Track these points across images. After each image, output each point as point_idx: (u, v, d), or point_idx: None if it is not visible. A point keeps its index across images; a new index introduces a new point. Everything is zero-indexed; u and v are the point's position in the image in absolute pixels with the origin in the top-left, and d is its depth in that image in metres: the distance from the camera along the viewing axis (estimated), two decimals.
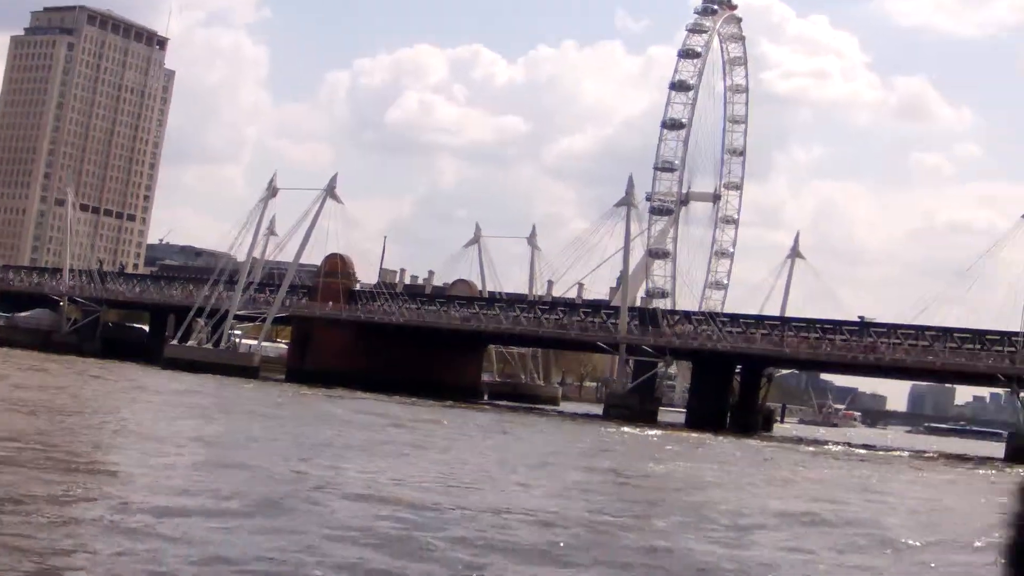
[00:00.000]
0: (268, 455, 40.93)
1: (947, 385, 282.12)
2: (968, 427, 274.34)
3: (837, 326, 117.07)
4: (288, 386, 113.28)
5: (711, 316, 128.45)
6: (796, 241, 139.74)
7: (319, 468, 37.85)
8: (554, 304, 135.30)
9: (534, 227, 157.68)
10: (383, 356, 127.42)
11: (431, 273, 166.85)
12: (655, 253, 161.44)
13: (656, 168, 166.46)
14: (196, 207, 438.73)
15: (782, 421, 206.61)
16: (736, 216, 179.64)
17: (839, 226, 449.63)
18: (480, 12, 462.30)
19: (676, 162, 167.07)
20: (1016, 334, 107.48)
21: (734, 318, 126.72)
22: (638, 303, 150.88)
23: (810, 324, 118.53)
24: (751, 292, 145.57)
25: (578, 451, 63.17)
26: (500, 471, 44.84)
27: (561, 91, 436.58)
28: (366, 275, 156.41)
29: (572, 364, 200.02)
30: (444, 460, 47.01)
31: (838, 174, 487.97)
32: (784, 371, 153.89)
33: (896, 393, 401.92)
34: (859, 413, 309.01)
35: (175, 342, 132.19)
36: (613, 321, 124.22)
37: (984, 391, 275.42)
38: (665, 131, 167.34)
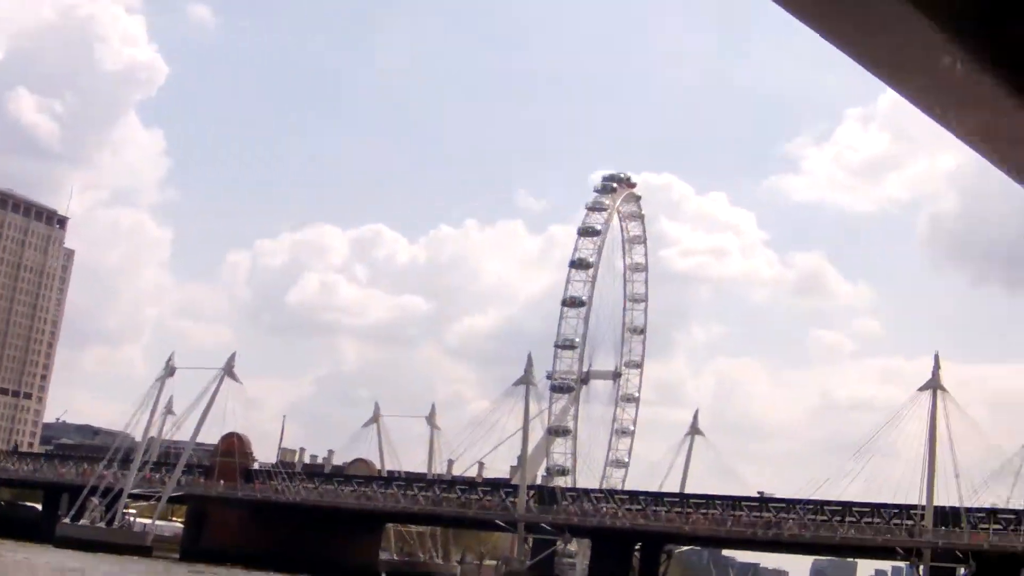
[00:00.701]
0: None
1: (849, 560, 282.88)
2: None
3: (737, 502, 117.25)
4: (180, 565, 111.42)
5: (610, 493, 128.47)
6: (695, 418, 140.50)
7: None
8: (453, 483, 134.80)
9: (433, 406, 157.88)
10: (280, 535, 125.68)
11: (331, 452, 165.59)
12: (555, 431, 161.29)
13: (557, 346, 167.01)
14: (94, 386, 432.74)
15: None
16: (637, 394, 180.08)
17: (739, 403, 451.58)
18: (381, 193, 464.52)
19: (577, 340, 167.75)
20: (914, 507, 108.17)
21: (633, 495, 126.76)
22: (539, 481, 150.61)
23: (709, 500, 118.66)
24: (651, 469, 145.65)
25: None
26: None
27: (463, 270, 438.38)
28: (265, 455, 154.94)
29: (472, 542, 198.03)
30: None
31: (738, 351, 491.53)
32: (685, 547, 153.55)
33: (798, 568, 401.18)
34: None
35: (67, 520, 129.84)
36: (512, 499, 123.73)
37: (886, 564, 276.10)
38: (565, 309, 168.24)
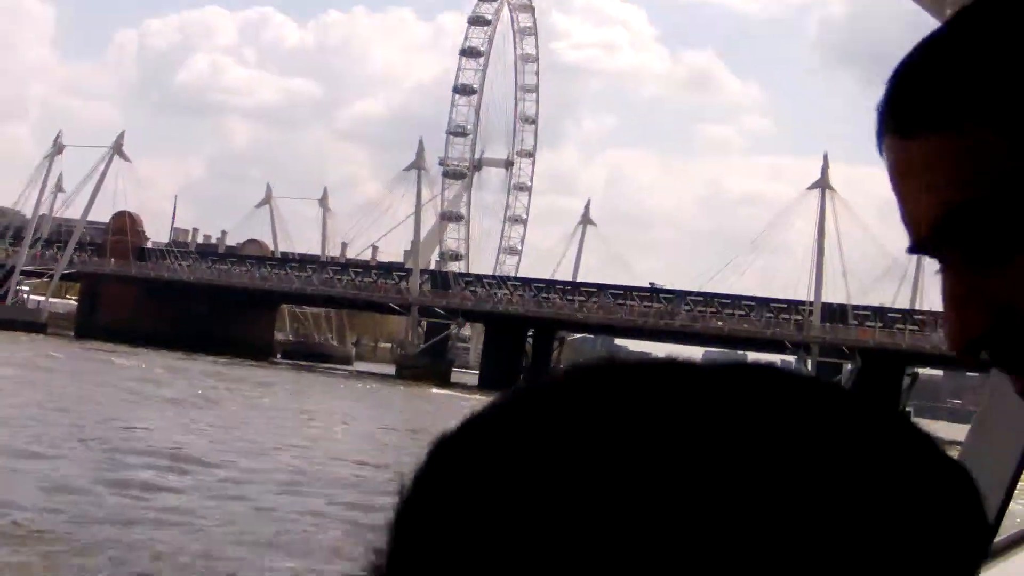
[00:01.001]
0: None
1: (738, 352, 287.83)
2: None
3: (628, 291, 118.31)
4: (77, 342, 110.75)
5: (503, 280, 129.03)
6: (587, 208, 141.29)
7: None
8: (346, 265, 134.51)
9: (326, 189, 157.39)
10: (174, 314, 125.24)
11: (224, 233, 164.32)
12: (449, 216, 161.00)
13: (449, 133, 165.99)
14: None
15: None
16: (529, 183, 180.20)
17: (629, 193, 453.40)
18: None
19: (468, 127, 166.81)
20: (803, 303, 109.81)
21: (526, 282, 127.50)
22: (432, 266, 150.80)
23: (601, 289, 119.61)
24: (544, 257, 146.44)
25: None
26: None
27: (353, 55, 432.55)
28: (158, 235, 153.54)
29: (367, 325, 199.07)
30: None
31: (628, 143, 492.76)
32: (578, 335, 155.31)
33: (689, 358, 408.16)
34: None
35: None
36: (406, 283, 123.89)
37: (775, 358, 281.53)
38: (457, 96, 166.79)
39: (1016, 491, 3.45)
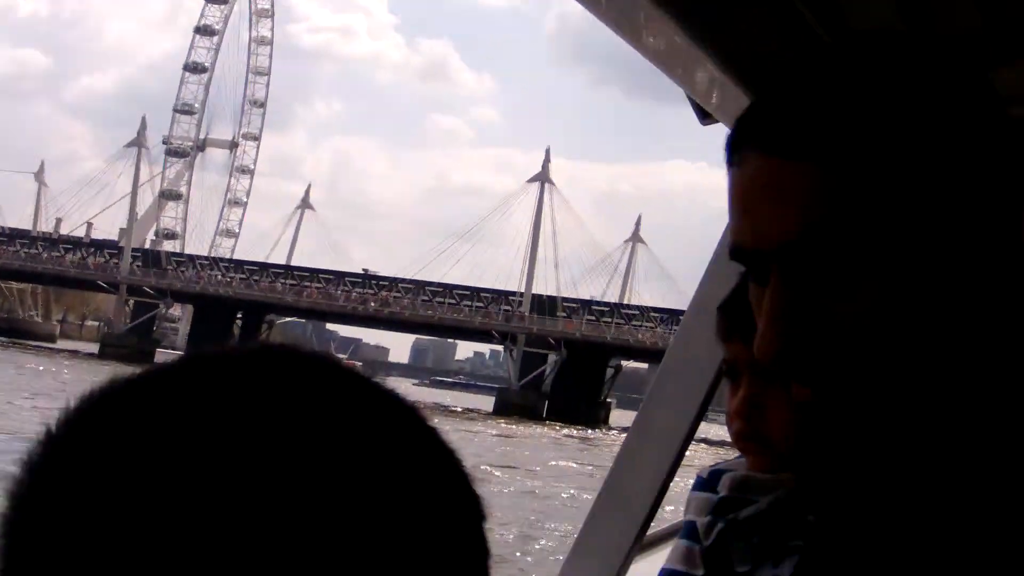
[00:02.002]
0: None
1: (449, 340, 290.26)
2: (471, 381, 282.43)
3: (340, 277, 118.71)
4: None
5: (215, 261, 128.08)
6: (307, 192, 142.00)
7: None
8: (57, 241, 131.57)
9: (43, 163, 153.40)
10: None
11: None
12: (168, 194, 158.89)
13: (176, 110, 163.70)
14: None
15: None
16: (252, 166, 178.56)
17: (354, 181, 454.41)
18: None
19: (196, 106, 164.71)
20: (514, 293, 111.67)
21: (239, 264, 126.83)
22: (147, 244, 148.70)
23: (313, 274, 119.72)
24: (261, 240, 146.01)
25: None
26: None
27: (85, 27, 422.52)
28: None
29: (75, 302, 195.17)
30: None
31: (357, 130, 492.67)
32: (288, 319, 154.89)
33: (400, 345, 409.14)
34: (361, 363, 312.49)
35: None
36: (116, 261, 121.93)
37: (484, 347, 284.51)
38: (187, 74, 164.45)
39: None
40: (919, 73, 1.11)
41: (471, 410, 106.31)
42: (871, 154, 1.07)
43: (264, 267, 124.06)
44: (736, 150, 1.18)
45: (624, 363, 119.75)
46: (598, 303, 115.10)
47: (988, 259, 1.11)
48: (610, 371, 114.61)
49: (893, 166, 1.10)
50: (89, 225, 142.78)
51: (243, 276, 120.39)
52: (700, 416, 3.82)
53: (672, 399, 3.91)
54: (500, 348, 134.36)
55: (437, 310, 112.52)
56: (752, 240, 1.16)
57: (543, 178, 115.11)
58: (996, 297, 1.12)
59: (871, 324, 1.09)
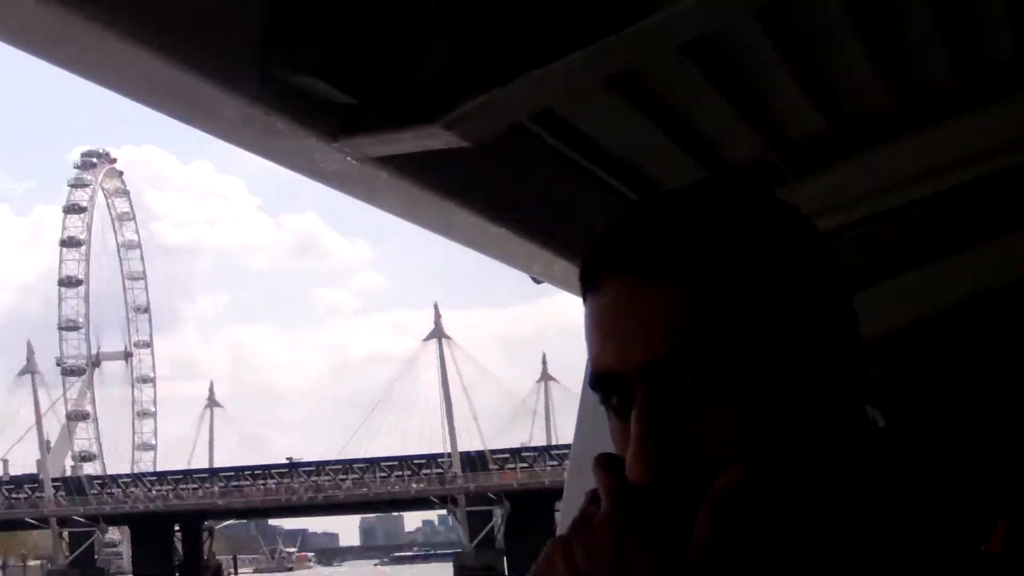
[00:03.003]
0: None
1: (394, 514, 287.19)
2: (428, 551, 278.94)
3: (267, 470, 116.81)
4: None
5: (138, 477, 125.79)
6: (211, 391, 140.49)
7: None
8: None
9: None
10: None
11: None
12: (75, 416, 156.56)
13: (60, 328, 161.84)
14: None
15: (236, 572, 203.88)
16: (152, 374, 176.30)
17: (257, 370, 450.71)
18: None
19: (80, 320, 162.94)
20: (441, 455, 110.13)
21: (162, 476, 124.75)
22: (68, 470, 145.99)
23: (239, 472, 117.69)
24: (180, 445, 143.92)
25: None
26: None
27: None
28: None
29: (11, 544, 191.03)
30: None
31: (247, 318, 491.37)
32: (226, 522, 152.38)
33: (347, 528, 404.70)
34: (312, 554, 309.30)
35: None
36: (40, 494, 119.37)
37: (431, 514, 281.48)
38: (63, 289, 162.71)
39: None
40: (751, 204, 1.27)
41: None
42: (727, 273, 1.16)
43: (188, 474, 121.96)
44: (594, 275, 1.21)
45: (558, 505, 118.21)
46: (527, 449, 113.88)
47: (831, 353, 1.23)
48: (558, 514, 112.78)
49: (746, 283, 1.19)
50: (3, 462, 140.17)
51: (170, 487, 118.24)
52: None
53: None
54: (440, 513, 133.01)
55: (370, 486, 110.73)
56: (616, 364, 1.18)
57: (438, 334, 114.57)
58: (843, 388, 1.23)
59: (741, 436, 1.15)
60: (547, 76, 2.86)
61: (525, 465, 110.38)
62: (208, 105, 2.69)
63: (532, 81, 2.83)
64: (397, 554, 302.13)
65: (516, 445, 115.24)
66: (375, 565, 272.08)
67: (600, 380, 1.24)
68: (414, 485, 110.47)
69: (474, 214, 3.19)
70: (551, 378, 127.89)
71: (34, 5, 2.09)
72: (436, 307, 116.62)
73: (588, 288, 1.26)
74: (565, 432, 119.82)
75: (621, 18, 2.80)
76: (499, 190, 3.37)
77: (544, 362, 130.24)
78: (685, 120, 4.39)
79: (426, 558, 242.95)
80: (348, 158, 2.89)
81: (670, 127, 4.31)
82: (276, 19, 2.59)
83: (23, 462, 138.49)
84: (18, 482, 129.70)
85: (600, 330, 1.22)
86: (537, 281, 4.33)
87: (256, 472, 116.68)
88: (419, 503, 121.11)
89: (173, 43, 2.41)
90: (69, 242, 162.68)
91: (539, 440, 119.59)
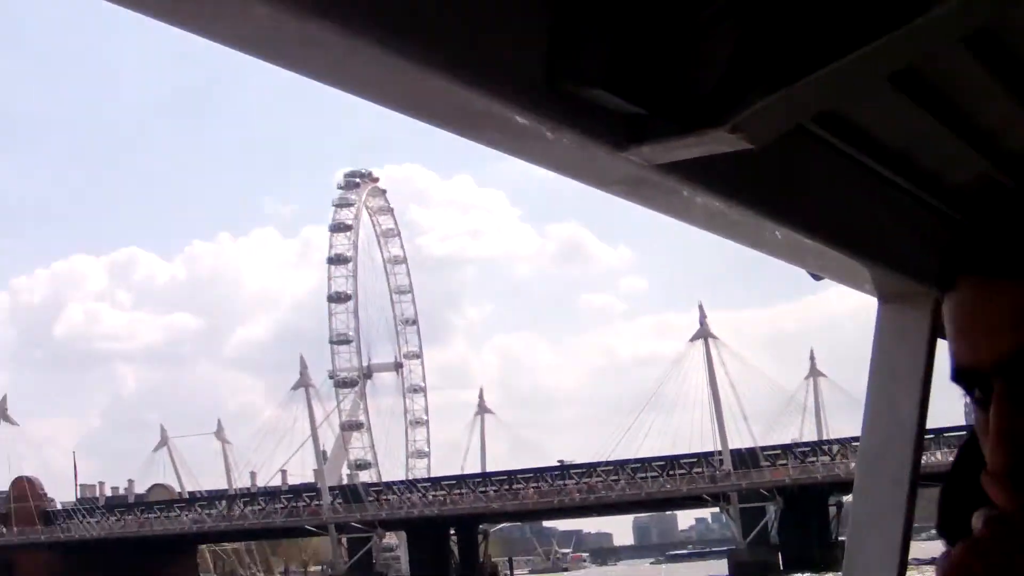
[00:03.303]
0: None
1: (668, 513, 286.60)
2: (704, 549, 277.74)
3: (539, 473, 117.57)
4: None
5: (413, 483, 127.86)
6: (481, 398, 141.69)
7: None
8: (256, 495, 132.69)
9: (219, 421, 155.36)
10: (93, 573, 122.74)
11: (131, 482, 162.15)
12: (349, 426, 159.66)
13: (332, 342, 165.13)
14: None
15: (512, 574, 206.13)
16: (423, 384, 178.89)
17: (526, 376, 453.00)
18: (125, 214, 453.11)
19: (350, 334, 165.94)
20: (711, 453, 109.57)
21: (436, 481, 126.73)
22: (344, 478, 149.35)
23: (512, 476, 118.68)
24: (452, 452, 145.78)
25: None
26: None
27: (225, 282, 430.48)
28: (66, 494, 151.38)
29: (293, 551, 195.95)
30: None
31: (513, 326, 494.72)
32: (501, 525, 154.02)
33: (621, 528, 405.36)
34: (587, 554, 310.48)
35: None
36: (318, 502, 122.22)
37: (705, 512, 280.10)
38: (333, 305, 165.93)
39: None
40: None
41: None
42: None
43: (462, 479, 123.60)
44: (949, 277, 1.26)
45: (844, 498, 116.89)
46: (799, 444, 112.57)
47: None
48: (832, 509, 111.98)
49: None
50: (284, 472, 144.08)
51: (444, 492, 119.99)
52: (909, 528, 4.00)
53: (873, 517, 4.12)
54: (712, 511, 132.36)
55: (642, 486, 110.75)
56: (973, 359, 1.22)
57: (704, 334, 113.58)
58: None
59: None
60: (830, 76, 2.85)
61: (797, 461, 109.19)
62: (497, 122, 2.75)
63: (816, 82, 2.83)
64: (672, 552, 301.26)
65: (787, 441, 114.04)
66: (650, 564, 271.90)
67: (960, 375, 1.28)
68: (685, 484, 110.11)
69: (757, 215, 3.29)
70: (820, 374, 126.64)
71: (320, 31, 2.20)
72: (701, 307, 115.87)
73: (944, 289, 1.31)
74: (836, 427, 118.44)
75: (903, 13, 2.78)
76: (780, 189, 3.45)
77: (812, 358, 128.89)
78: (965, 112, 4.37)
79: (702, 556, 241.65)
80: (635, 167, 2.94)
81: (950, 120, 4.30)
82: (560, 32, 2.65)
83: (301, 472, 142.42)
84: (297, 491, 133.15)
85: (957, 328, 1.27)
86: (816, 277, 4.44)
87: (528, 475, 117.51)
88: (691, 501, 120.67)
89: (462, 64, 2.47)
90: (336, 259, 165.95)
91: (809, 436, 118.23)
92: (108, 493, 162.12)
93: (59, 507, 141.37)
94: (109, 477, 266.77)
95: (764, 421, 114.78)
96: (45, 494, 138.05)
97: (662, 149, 2.81)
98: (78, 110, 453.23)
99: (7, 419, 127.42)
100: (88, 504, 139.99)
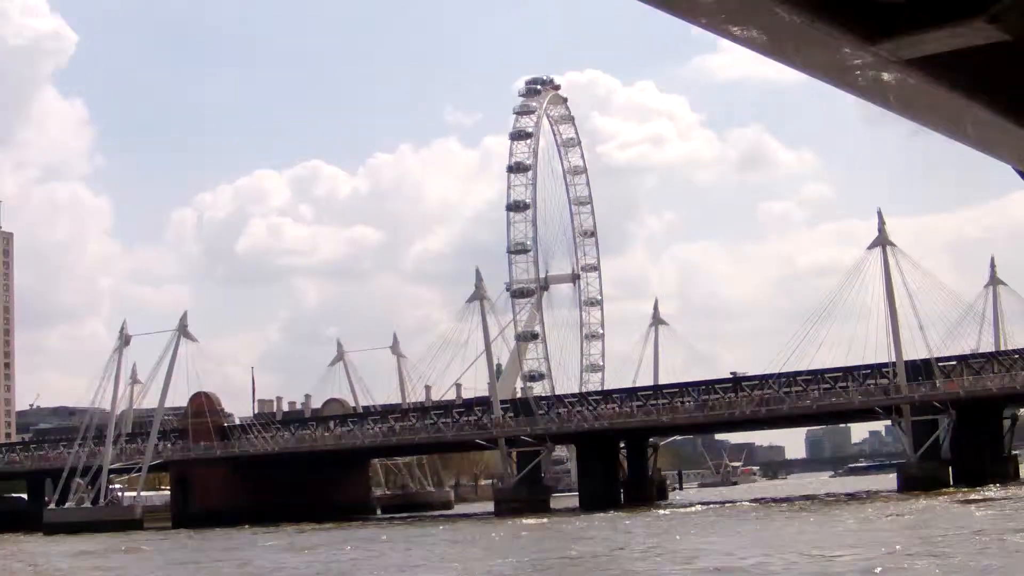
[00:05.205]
0: None
1: (841, 425, 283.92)
2: (884, 463, 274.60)
3: (710, 385, 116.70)
4: (175, 533, 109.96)
5: (584, 396, 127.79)
6: (655, 309, 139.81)
7: None
8: (428, 409, 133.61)
9: (395, 335, 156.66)
10: (268, 487, 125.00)
11: (308, 397, 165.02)
12: (524, 336, 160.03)
13: (510, 252, 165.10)
14: (64, 366, 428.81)
15: (681, 487, 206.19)
16: (599, 297, 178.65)
17: (703, 286, 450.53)
18: (309, 128, 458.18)
19: (528, 243, 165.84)
20: (885, 365, 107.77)
21: (607, 394, 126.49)
22: (518, 391, 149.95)
23: (683, 388, 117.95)
24: (624, 364, 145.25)
25: None
26: None
27: (406, 195, 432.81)
28: (245, 408, 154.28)
29: (463, 464, 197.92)
30: None
31: (693, 235, 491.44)
32: (671, 438, 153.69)
33: (794, 441, 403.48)
34: (757, 468, 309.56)
35: (53, 506, 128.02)
36: (489, 416, 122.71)
37: (879, 425, 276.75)
38: (511, 214, 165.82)
39: None
40: None
41: (872, 492, 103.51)
42: None
43: (632, 391, 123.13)
44: None
45: (1020, 411, 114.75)
46: (975, 356, 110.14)
47: None
48: (1006, 423, 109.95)
49: None
50: (458, 386, 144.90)
51: (614, 405, 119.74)
52: None
53: None
54: (885, 424, 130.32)
55: (813, 399, 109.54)
56: None
57: (882, 242, 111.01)
58: None
59: None
60: None
61: (972, 373, 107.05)
62: (755, 13, 2.77)
63: None
64: (852, 466, 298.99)
65: (963, 352, 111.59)
66: (830, 476, 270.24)
67: None
68: (858, 396, 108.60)
69: (996, 113, 3.06)
70: (1000, 282, 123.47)
71: None
72: (879, 214, 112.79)
73: None
74: (1016, 338, 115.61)
75: None
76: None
77: (992, 265, 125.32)
78: None
79: (880, 468, 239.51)
80: (881, 62, 2.84)
81: None
82: None
83: (475, 386, 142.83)
84: (469, 405, 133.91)
85: None
86: None
87: (700, 388, 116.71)
88: (862, 414, 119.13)
89: None
90: (516, 167, 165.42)
91: (987, 347, 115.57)
92: (285, 408, 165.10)
93: (237, 422, 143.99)
94: (287, 392, 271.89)
95: (940, 332, 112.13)
96: (222, 409, 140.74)
97: (913, 41, 2.78)
98: (272, 25, 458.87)
99: (187, 336, 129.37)
100: (264, 419, 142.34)
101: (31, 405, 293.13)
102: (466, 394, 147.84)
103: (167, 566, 69.68)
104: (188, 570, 64.91)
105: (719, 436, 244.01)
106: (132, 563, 74.32)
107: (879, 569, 39.99)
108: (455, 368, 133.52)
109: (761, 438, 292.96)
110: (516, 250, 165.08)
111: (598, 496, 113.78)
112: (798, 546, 50.80)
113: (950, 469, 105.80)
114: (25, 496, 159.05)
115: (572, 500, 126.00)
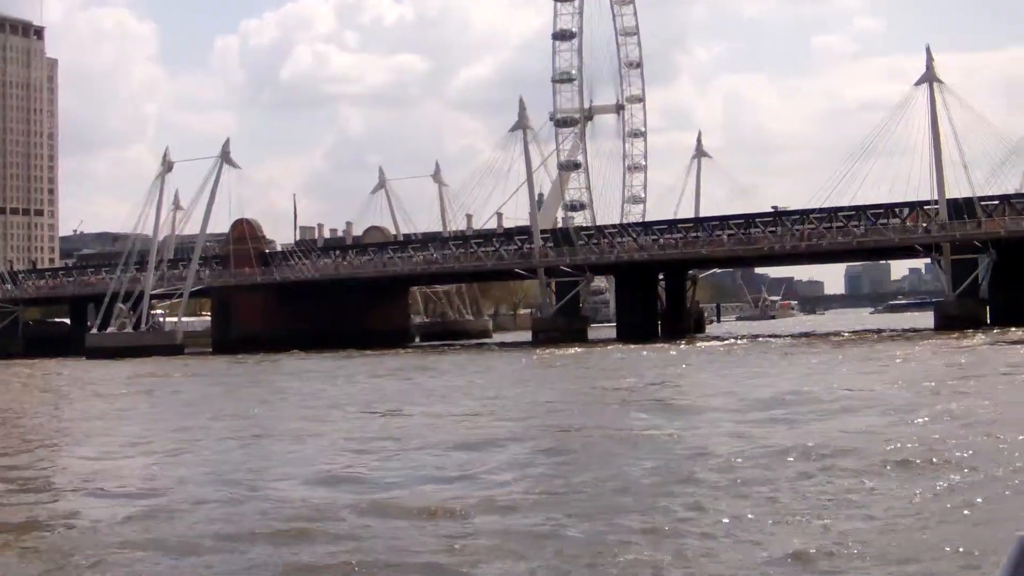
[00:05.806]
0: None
1: (881, 262, 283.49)
2: (925, 300, 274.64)
3: (751, 219, 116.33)
4: (217, 358, 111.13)
5: (624, 227, 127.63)
6: (699, 141, 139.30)
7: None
8: (469, 238, 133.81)
9: (437, 164, 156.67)
10: (307, 314, 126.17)
11: (349, 224, 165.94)
12: (567, 166, 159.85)
13: (554, 81, 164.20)
14: (110, 192, 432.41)
15: (719, 320, 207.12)
16: (643, 129, 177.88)
17: (749, 119, 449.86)
18: None
19: (573, 72, 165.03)
20: (927, 203, 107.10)
21: (648, 226, 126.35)
22: (559, 222, 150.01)
23: (724, 221, 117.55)
24: (666, 196, 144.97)
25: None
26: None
27: (452, 22, 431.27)
28: (287, 235, 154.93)
29: (503, 294, 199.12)
30: None
31: (741, 67, 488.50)
32: (710, 271, 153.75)
33: (834, 276, 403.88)
34: (796, 302, 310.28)
35: (95, 330, 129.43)
36: (530, 246, 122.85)
37: (919, 263, 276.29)
38: (557, 43, 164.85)
39: None
40: None
41: (909, 330, 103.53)
42: None
43: (673, 223, 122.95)
44: None
45: None
46: (1018, 196, 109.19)
47: None
48: None
49: None
50: (499, 215, 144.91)
51: (654, 237, 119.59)
52: None
53: None
54: (925, 262, 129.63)
55: (852, 234, 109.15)
56: None
57: (929, 78, 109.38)
58: None
59: None
60: None
61: (1015, 212, 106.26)
62: None
63: None
64: (892, 303, 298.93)
65: (1006, 192, 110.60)
66: (870, 313, 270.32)
67: None
68: (899, 233, 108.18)
69: None
70: None
71: None
72: (928, 50, 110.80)
73: None
74: None
75: None
76: None
77: None
78: None
79: (920, 306, 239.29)
80: None
81: None
82: None
83: (515, 215, 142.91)
84: (510, 234, 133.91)
85: None
86: None
87: (740, 221, 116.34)
88: (902, 251, 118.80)
89: None
90: None
91: None
92: (327, 235, 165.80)
93: (278, 249, 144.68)
94: (328, 219, 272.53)
95: (985, 170, 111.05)
96: (264, 236, 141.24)
97: None
98: None
99: (230, 162, 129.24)
100: (306, 246, 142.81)
101: (75, 231, 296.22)
102: (507, 223, 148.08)
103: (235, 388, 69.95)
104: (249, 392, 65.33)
105: (759, 270, 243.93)
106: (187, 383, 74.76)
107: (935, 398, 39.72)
108: (496, 197, 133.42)
109: (801, 273, 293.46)
110: (561, 79, 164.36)
111: (636, 327, 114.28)
112: (841, 380, 50.66)
113: (987, 308, 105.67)
114: (68, 321, 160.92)
115: (610, 331, 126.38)
